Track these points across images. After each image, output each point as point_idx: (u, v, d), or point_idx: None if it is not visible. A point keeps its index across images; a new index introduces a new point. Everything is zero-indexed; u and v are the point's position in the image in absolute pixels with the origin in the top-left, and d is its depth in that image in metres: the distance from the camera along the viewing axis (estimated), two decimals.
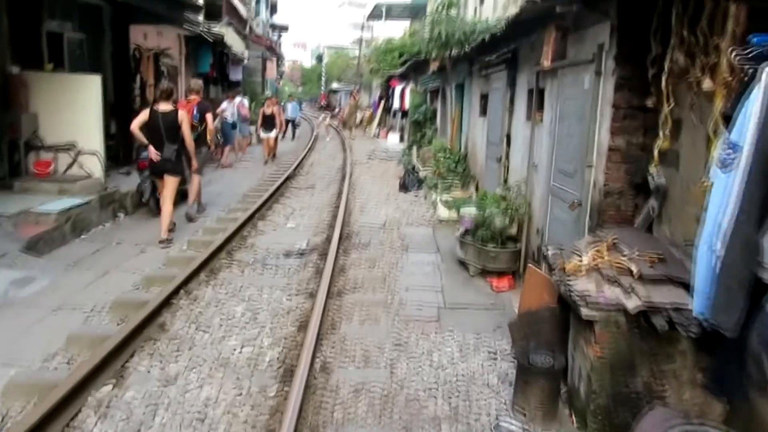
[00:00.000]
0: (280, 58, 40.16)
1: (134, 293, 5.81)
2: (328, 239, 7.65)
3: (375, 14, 32.68)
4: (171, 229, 8.06)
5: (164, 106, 7.64)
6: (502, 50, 7.63)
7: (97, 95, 9.38)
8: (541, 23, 5.91)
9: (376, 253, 7.23)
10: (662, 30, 3.72)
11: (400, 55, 25.10)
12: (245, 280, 6.16)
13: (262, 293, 5.78)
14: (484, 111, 9.84)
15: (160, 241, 7.56)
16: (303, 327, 4.80)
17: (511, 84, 7.60)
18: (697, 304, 2.68)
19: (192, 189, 9.27)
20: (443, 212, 9.40)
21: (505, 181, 7.79)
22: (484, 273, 6.53)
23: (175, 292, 5.50)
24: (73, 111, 9.26)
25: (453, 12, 10.89)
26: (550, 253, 4.27)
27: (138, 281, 6.14)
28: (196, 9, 13.65)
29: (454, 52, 10.58)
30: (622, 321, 3.25)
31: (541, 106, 6.32)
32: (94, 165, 9.43)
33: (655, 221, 4.28)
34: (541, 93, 6.31)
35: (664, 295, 3.19)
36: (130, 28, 12.57)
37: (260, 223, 8.91)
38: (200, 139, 9.30)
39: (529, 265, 4.52)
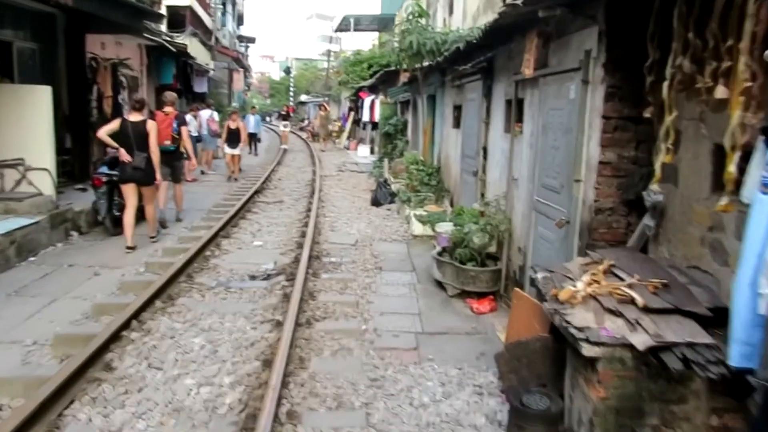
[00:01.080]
0: (247, 70, 39.55)
1: (82, 325, 5.26)
2: (297, 259, 7.19)
3: (343, 26, 32.40)
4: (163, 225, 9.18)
5: (135, 117, 7.91)
6: (477, 59, 7.31)
7: (48, 107, 8.77)
8: (521, 30, 5.59)
9: (348, 275, 6.78)
10: (660, 34, 3.40)
11: (369, 67, 24.87)
12: (206, 307, 5.65)
13: (224, 322, 5.28)
14: (457, 123, 9.52)
15: (150, 237, 8.44)
16: (268, 362, 4.32)
17: (487, 94, 7.28)
18: (734, 354, 2.31)
19: (176, 197, 10.13)
20: (417, 228, 9.02)
21: (483, 195, 7.45)
22: (463, 294, 6.14)
23: (127, 324, 4.98)
24: (21, 124, 8.64)
25: (423, 21, 10.58)
26: (539, 276, 3.90)
27: (88, 310, 5.60)
28: (157, 18, 13.12)
29: (426, 62, 10.28)
30: (628, 359, 2.88)
31: (520, 118, 6.00)
32: (44, 182, 8.79)
33: (651, 241, 3.95)
34: (520, 103, 5.99)
35: (676, 330, 2.83)
36: (86, 38, 11.96)
37: (225, 241, 8.40)
38: (177, 150, 9.70)
39: (516, 289, 4.15)
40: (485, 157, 7.38)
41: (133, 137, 7.71)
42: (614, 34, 4.04)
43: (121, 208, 9.09)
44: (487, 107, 7.32)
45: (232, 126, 15.01)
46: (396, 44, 10.86)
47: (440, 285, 6.46)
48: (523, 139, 5.90)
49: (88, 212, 9.11)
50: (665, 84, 3.21)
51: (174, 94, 11.20)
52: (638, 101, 3.94)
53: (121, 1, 11.08)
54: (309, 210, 10.67)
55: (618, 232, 4.24)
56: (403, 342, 5.01)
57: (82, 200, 9.17)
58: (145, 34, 14.00)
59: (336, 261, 7.33)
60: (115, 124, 7.86)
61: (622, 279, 3.45)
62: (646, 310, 3.02)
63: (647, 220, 3.89)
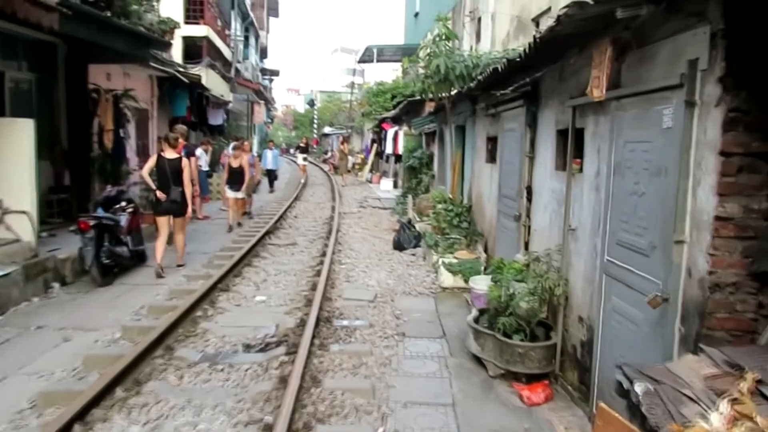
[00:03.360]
0: (269, 102, 39.07)
1: (20, 422, 4.09)
2: (303, 322, 5.96)
3: (366, 56, 31.58)
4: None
5: (170, 153, 8.56)
6: (519, 82, 6.12)
7: (30, 143, 7.77)
8: (579, 41, 4.40)
9: (363, 346, 5.52)
10: None
11: (393, 97, 23.93)
12: (180, 396, 4.42)
13: (199, 421, 4.05)
14: (492, 157, 8.30)
15: (177, 266, 8.78)
16: None
17: (532, 123, 6.07)
18: None
19: (176, 240, 9.60)
20: (447, 278, 7.76)
21: (527, 245, 6.18)
22: (509, 375, 4.84)
23: (68, 428, 3.78)
24: None
25: (451, 45, 9.47)
26: (638, 389, 2.62)
27: (36, 395, 4.43)
28: (163, 46, 12.28)
29: (455, 89, 9.14)
30: None
31: (579, 152, 4.76)
32: (23, 226, 7.75)
33: None
34: (578, 134, 4.75)
35: None
36: (89, 68, 11.11)
37: (222, 296, 7.22)
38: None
39: (601, 405, 2.89)
40: (529, 199, 6.13)
41: (170, 173, 8.40)
42: (737, 35, 2.81)
43: (111, 255, 8.07)
44: (531, 139, 6.09)
45: (234, 164, 12.37)
46: (421, 70, 9.77)
47: (478, 360, 5.16)
48: (583, 180, 4.65)
49: (74, 260, 8.06)
50: None
51: (184, 127, 11.93)
52: None
53: (121, 27, 10.24)
54: (324, 255, 9.49)
55: (744, 318, 2.94)
56: None
57: (74, 245, 8.10)
58: (155, 65, 13.18)
59: (349, 325, 6.08)
60: (152, 162, 8.57)
61: None
62: None
63: None
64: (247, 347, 5.52)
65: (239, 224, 12.53)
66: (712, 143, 2.92)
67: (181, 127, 12.23)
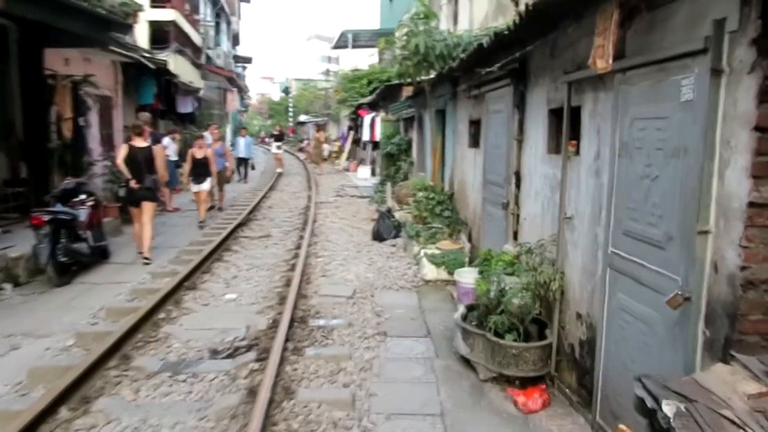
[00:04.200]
0: (242, 90, 38.16)
1: None
2: (275, 324, 5.48)
3: (342, 42, 30.95)
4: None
5: (139, 142, 8.63)
6: (505, 59, 5.66)
7: None
8: (577, 9, 3.96)
9: (341, 348, 5.05)
10: None
11: (369, 83, 23.37)
12: (134, 414, 3.92)
13: None
14: (475, 141, 7.85)
15: (144, 258, 8.47)
16: None
17: (520, 104, 5.62)
18: None
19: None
20: (430, 271, 7.32)
21: (516, 235, 5.75)
22: (501, 378, 4.42)
23: None
24: None
25: (430, 24, 8.96)
26: (667, 411, 2.19)
27: None
28: (124, 29, 11.52)
29: (435, 70, 8.66)
30: None
31: (575, 133, 4.32)
32: None
33: None
34: (574, 113, 4.32)
35: None
36: (44, 53, 10.38)
37: (189, 296, 6.69)
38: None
39: (621, 427, 2.48)
40: (518, 185, 5.70)
41: (142, 162, 8.43)
42: None
43: (68, 252, 7.48)
44: (519, 120, 5.65)
45: (198, 155, 11.42)
46: (399, 51, 9.26)
47: (466, 361, 4.74)
48: (580, 163, 4.22)
49: (28, 258, 7.45)
50: None
51: (147, 114, 11.75)
52: None
53: (77, 8, 9.52)
54: (299, 247, 8.99)
55: None
56: None
57: (31, 241, 7.47)
58: (117, 49, 12.43)
59: (326, 325, 5.60)
60: (124, 151, 8.55)
61: None
62: None
63: None
64: (214, 353, 5.02)
65: (201, 222, 11.28)
66: (744, 117, 2.50)
67: (144, 115, 11.98)
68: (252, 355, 4.85)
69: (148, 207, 8.55)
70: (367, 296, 6.66)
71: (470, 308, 5.13)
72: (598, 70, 3.36)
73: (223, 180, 13.57)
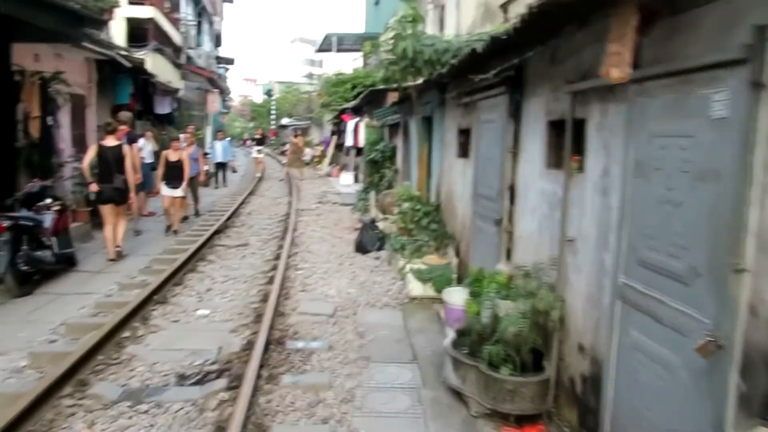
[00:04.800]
0: (224, 92, 37.54)
1: None
2: (250, 345, 5.06)
3: (326, 45, 30.50)
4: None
5: (110, 141, 8.55)
6: (498, 67, 5.32)
7: None
8: (582, 13, 3.64)
9: (320, 376, 4.64)
10: None
11: (353, 87, 22.99)
12: None
13: None
14: (464, 151, 7.51)
15: (115, 255, 8.51)
16: None
17: (515, 114, 5.28)
18: None
19: (134, 206, 9.88)
20: (415, 287, 6.95)
21: (509, 253, 5.40)
22: (495, 415, 4.05)
23: None
24: None
25: (419, 28, 8.61)
26: None
27: None
28: (98, 24, 11.01)
29: (423, 75, 8.31)
30: None
31: (578, 148, 3.99)
32: None
33: None
34: (578, 126, 3.98)
35: None
36: (11, 47, 9.84)
37: (158, 311, 6.24)
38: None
39: None
40: (513, 201, 5.36)
41: (112, 161, 8.34)
42: None
43: (30, 260, 6.98)
44: (515, 131, 5.31)
45: (173, 158, 10.74)
46: (385, 55, 8.90)
47: (456, 393, 4.36)
48: (585, 181, 3.88)
49: None
50: None
51: (128, 114, 11.78)
52: None
53: (46, 1, 9.02)
54: (278, 258, 8.56)
55: None
56: None
57: None
58: (91, 46, 11.91)
59: (305, 348, 5.19)
60: (92, 152, 8.52)
61: None
62: None
63: None
64: (181, 378, 4.59)
65: (175, 232, 10.61)
66: None
67: (124, 114, 11.84)
68: (223, 382, 4.43)
69: (118, 210, 8.51)
70: (349, 315, 6.27)
71: (461, 333, 4.76)
72: (613, 80, 3.02)
73: (196, 186, 12.86)
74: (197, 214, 12.74)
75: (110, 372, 4.66)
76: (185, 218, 11.81)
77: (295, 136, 24.74)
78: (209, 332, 5.66)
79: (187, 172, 10.87)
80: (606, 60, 3.07)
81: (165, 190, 10.74)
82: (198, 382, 4.51)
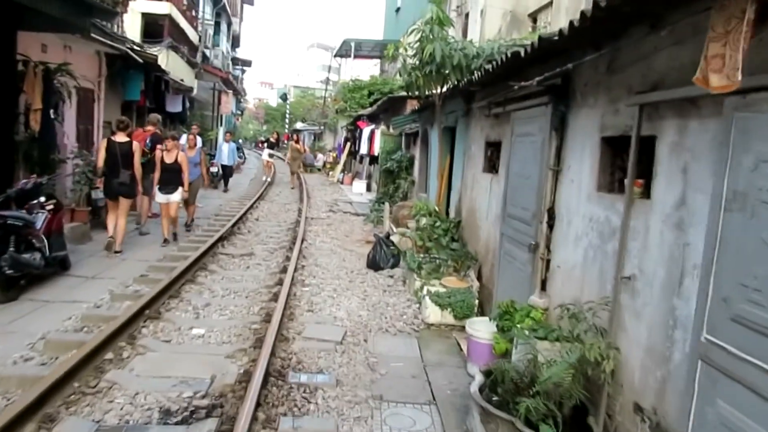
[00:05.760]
0: (238, 93, 37.18)
1: None
2: (247, 376, 4.45)
3: (343, 51, 30.09)
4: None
5: (120, 137, 8.72)
6: (543, 74, 4.70)
7: None
8: (655, 12, 3.03)
9: (325, 421, 4.01)
10: None
11: (370, 94, 22.49)
12: None
13: None
14: (492, 166, 6.91)
15: (115, 252, 8.57)
16: None
17: (559, 127, 4.67)
18: None
19: (143, 209, 10.52)
20: (433, 313, 6.33)
21: (544, 284, 4.77)
22: None
23: None
24: None
25: (446, 32, 8.02)
26: None
27: None
28: (108, 15, 10.54)
29: (449, 82, 7.73)
30: None
31: (645, 171, 3.37)
32: None
33: None
34: (646, 145, 3.36)
35: None
36: (17, 36, 9.36)
37: (149, 328, 5.65)
38: (149, 165, 9.78)
39: None
40: (551, 225, 4.73)
41: (120, 157, 8.51)
42: None
43: (15, 263, 6.43)
44: (557, 147, 4.69)
45: (168, 159, 9.56)
46: (409, 59, 8.33)
47: None
48: (651, 209, 3.26)
49: None
50: None
51: (158, 116, 11.95)
52: None
53: None
54: (284, 271, 7.97)
55: None
56: None
57: None
58: (101, 38, 11.43)
59: (309, 383, 4.57)
60: (103, 149, 8.69)
61: None
62: None
63: None
64: (166, 415, 3.97)
65: (174, 237, 9.82)
66: None
67: (155, 116, 11.87)
68: (212, 424, 3.81)
69: (123, 202, 8.61)
70: (360, 341, 5.64)
71: (488, 373, 4.13)
72: (713, 89, 2.40)
73: (194, 192, 11.40)
74: (187, 226, 11.16)
75: (85, 403, 4.05)
76: (184, 225, 10.89)
77: (296, 140, 23.94)
78: (203, 356, 5.05)
79: (186, 177, 9.77)
80: (704, 65, 2.45)
81: (159, 196, 9.63)
82: (184, 421, 3.90)
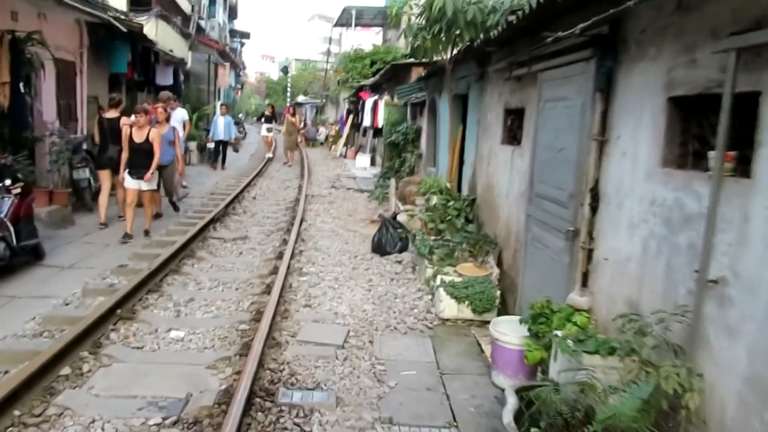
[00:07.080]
0: (237, 66, 36.04)
1: None
2: (229, 395, 3.67)
3: (344, 20, 28.87)
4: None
5: (111, 113, 8.89)
6: (582, 23, 3.81)
7: None
8: None
9: None
10: None
11: (372, 64, 21.43)
12: None
13: None
14: (513, 137, 6.05)
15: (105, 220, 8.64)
16: None
17: (605, 87, 3.79)
18: None
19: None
20: (448, 306, 5.51)
21: (585, 279, 3.95)
22: None
23: None
24: None
25: None
26: None
27: None
28: None
29: (462, 42, 6.82)
30: None
31: (737, 140, 2.52)
32: None
33: None
34: (742, 104, 2.51)
35: None
36: None
37: (119, 332, 4.87)
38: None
39: None
40: (594, 209, 3.88)
41: (109, 132, 8.66)
42: None
43: None
44: (603, 113, 3.82)
45: (137, 138, 7.96)
46: (414, 18, 7.40)
47: None
48: (753, 192, 2.42)
49: None
50: None
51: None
52: None
53: None
54: (280, 257, 7.18)
55: None
56: None
57: None
58: (79, 5, 10.47)
59: (303, 403, 3.78)
60: (96, 126, 9.11)
61: None
62: None
63: None
64: None
65: (146, 232, 8.24)
66: None
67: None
68: None
69: (109, 174, 8.71)
70: (365, 344, 4.84)
71: (521, 393, 3.34)
72: None
73: (171, 176, 9.88)
74: (176, 208, 10.17)
75: None
76: (157, 215, 9.33)
77: (293, 114, 22.72)
78: (179, 367, 4.27)
79: (157, 158, 8.06)
80: None
81: (129, 181, 8.03)
82: None
